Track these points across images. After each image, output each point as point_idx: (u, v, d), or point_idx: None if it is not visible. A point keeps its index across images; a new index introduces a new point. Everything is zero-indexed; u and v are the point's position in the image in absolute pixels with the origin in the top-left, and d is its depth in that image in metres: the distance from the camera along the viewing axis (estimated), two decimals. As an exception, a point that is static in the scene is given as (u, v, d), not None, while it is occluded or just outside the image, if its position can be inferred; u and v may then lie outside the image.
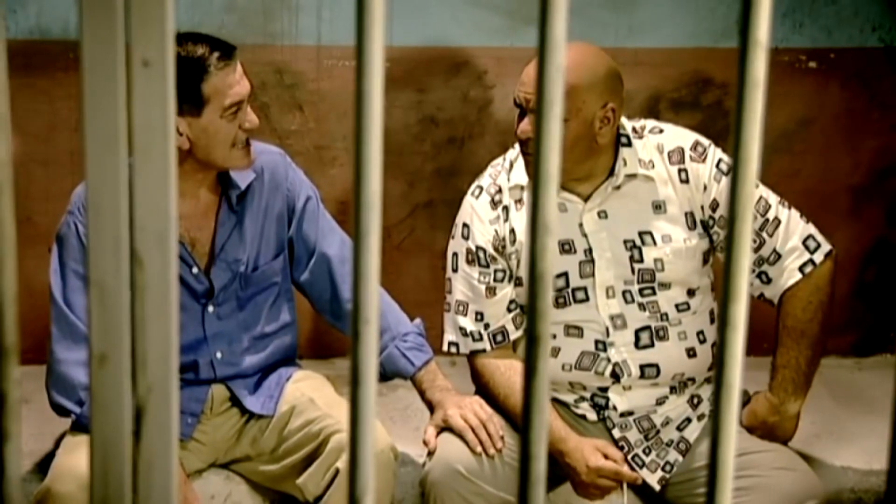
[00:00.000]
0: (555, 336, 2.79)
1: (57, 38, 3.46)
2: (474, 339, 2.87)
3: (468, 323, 2.87)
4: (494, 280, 2.84)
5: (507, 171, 2.86)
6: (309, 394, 2.82)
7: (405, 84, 3.58)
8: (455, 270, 2.89)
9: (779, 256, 2.80)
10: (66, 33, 3.46)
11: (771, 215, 2.81)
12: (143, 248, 0.94)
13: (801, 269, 2.80)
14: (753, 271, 2.82)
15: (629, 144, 2.80)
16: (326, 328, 3.16)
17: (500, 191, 2.85)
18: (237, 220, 2.79)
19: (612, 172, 2.79)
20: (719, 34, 3.63)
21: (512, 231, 2.83)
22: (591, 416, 2.85)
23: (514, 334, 2.85)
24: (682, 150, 2.81)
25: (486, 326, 2.86)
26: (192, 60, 2.58)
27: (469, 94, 3.63)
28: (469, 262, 2.85)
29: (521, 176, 2.83)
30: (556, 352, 2.80)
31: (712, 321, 2.86)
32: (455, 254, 2.89)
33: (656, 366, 2.80)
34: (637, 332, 2.80)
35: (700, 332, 2.83)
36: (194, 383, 2.78)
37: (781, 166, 3.60)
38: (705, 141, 2.84)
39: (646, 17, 3.64)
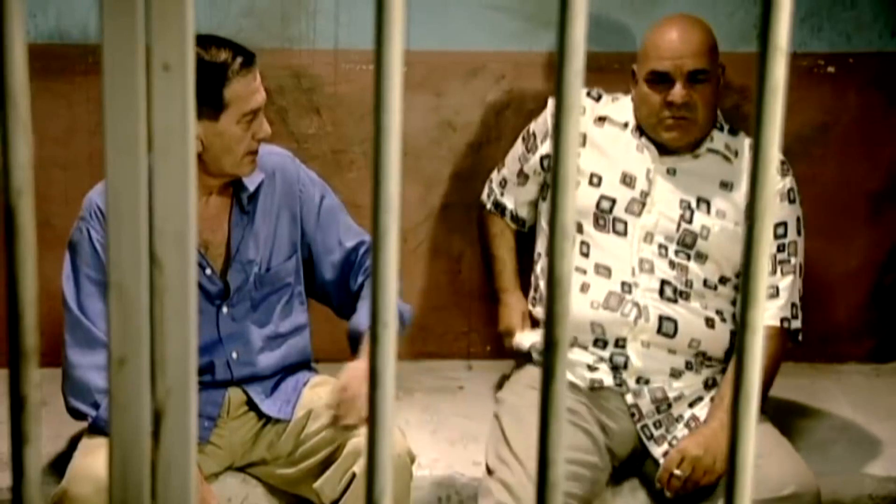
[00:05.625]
0: (585, 272, 2.89)
1: (76, 42, 3.47)
2: (488, 195, 3.27)
3: (494, 178, 3.26)
4: (528, 166, 3.14)
5: (606, 103, 3.02)
6: (326, 398, 2.82)
7: (423, 88, 3.58)
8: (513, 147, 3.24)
9: (776, 293, 2.89)
10: (85, 37, 3.47)
11: (794, 260, 2.92)
12: (161, 250, 0.94)
13: (782, 320, 2.89)
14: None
15: (721, 129, 2.96)
16: (344, 331, 3.16)
17: (583, 112, 2.98)
18: (249, 221, 2.80)
19: (697, 145, 2.92)
20: (737, 38, 3.62)
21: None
22: (608, 380, 2.87)
23: (507, 214, 3.21)
24: None
25: (501, 191, 3.22)
26: (215, 65, 2.59)
27: (487, 99, 3.63)
28: (523, 139, 3.17)
29: (611, 111, 2.99)
30: (585, 288, 2.88)
31: (733, 306, 2.91)
32: (523, 135, 3.20)
33: (675, 322, 2.86)
34: (662, 283, 2.87)
35: (720, 311, 2.91)
36: (211, 386, 2.79)
37: (799, 171, 3.58)
38: (786, 165, 2.98)
39: (664, 21, 3.62)
